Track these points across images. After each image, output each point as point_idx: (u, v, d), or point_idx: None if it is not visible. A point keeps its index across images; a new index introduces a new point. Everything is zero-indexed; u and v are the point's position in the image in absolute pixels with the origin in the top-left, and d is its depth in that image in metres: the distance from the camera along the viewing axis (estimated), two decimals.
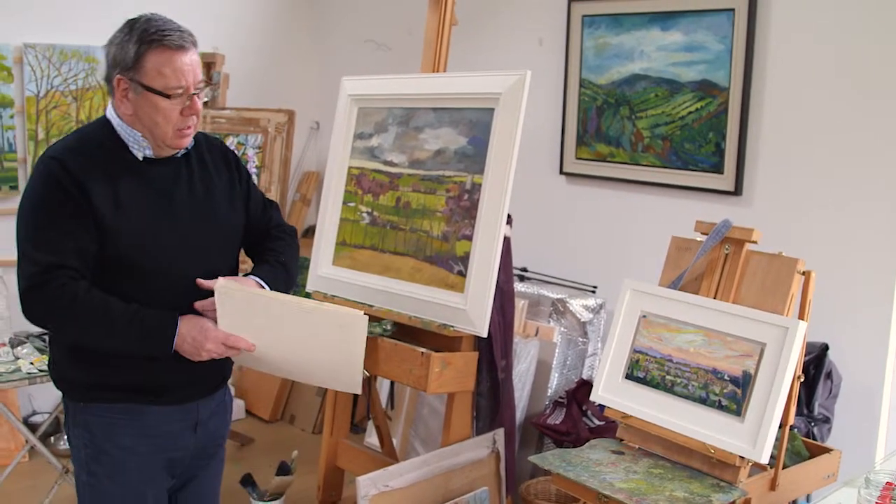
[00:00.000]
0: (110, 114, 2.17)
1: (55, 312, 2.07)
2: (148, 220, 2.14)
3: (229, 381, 2.45)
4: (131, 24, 2.10)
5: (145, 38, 2.07)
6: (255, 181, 4.37)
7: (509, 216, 2.88)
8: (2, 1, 4.33)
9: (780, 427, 2.22)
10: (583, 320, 3.88)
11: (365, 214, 3.21)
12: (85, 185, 2.06)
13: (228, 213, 2.34)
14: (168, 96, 2.08)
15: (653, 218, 3.86)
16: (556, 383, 3.85)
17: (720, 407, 2.23)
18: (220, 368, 2.34)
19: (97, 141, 2.15)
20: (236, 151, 4.42)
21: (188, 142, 2.20)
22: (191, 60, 2.11)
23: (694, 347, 2.32)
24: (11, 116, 4.42)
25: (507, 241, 2.94)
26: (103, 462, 2.20)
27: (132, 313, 2.07)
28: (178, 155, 2.23)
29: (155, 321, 2.10)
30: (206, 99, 2.22)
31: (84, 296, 2.05)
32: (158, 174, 2.19)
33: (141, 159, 2.16)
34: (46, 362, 2.46)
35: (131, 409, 2.19)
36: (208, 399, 2.34)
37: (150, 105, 2.10)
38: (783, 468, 2.34)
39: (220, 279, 2.16)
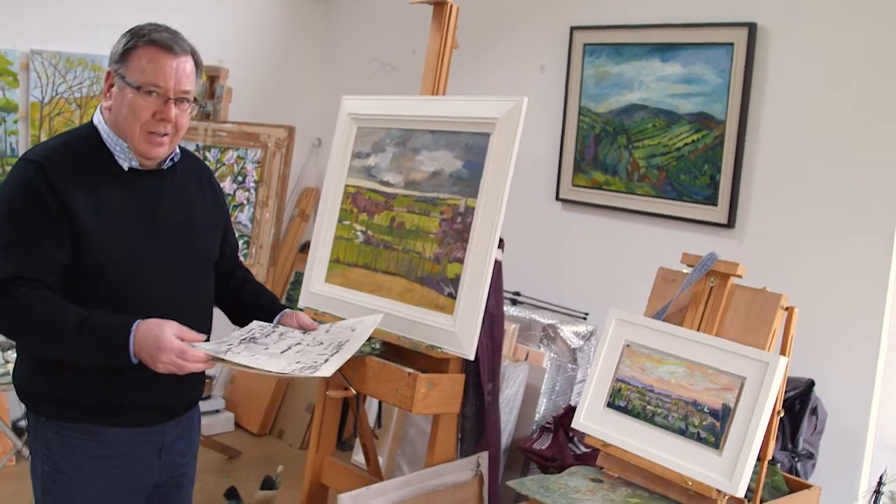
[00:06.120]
0: (97, 119, 2.11)
1: (9, 322, 1.98)
2: (129, 230, 2.07)
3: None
4: (137, 26, 2.09)
5: (138, 33, 2.05)
6: (253, 196, 4.44)
7: (501, 240, 2.89)
8: (10, 7, 4.37)
9: (759, 461, 2.23)
10: (573, 347, 3.89)
11: (359, 233, 3.23)
12: (63, 191, 1.98)
13: (206, 236, 2.29)
14: (138, 89, 2.02)
15: (646, 247, 3.87)
16: (543, 408, 3.85)
17: (699, 439, 2.24)
18: (187, 392, 2.25)
19: (82, 146, 2.08)
20: (235, 165, 4.46)
21: (161, 152, 2.11)
22: (178, 65, 2.05)
23: (675, 379, 2.33)
24: (15, 122, 4.46)
25: (498, 265, 2.95)
26: (60, 482, 2.09)
27: (82, 320, 1.93)
28: (164, 168, 2.17)
29: (107, 328, 1.96)
30: (191, 113, 2.14)
31: (38, 305, 1.94)
32: (143, 186, 2.12)
33: (126, 170, 2.10)
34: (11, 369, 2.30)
35: (90, 430, 2.08)
36: (174, 422, 2.23)
37: (124, 99, 2.04)
38: (761, 503, 2.34)
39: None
